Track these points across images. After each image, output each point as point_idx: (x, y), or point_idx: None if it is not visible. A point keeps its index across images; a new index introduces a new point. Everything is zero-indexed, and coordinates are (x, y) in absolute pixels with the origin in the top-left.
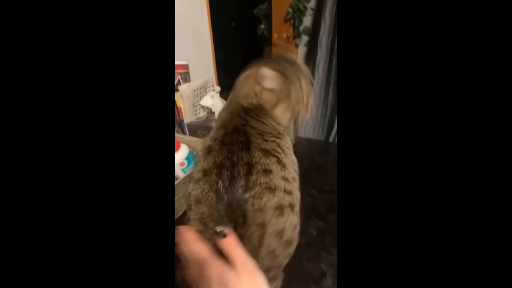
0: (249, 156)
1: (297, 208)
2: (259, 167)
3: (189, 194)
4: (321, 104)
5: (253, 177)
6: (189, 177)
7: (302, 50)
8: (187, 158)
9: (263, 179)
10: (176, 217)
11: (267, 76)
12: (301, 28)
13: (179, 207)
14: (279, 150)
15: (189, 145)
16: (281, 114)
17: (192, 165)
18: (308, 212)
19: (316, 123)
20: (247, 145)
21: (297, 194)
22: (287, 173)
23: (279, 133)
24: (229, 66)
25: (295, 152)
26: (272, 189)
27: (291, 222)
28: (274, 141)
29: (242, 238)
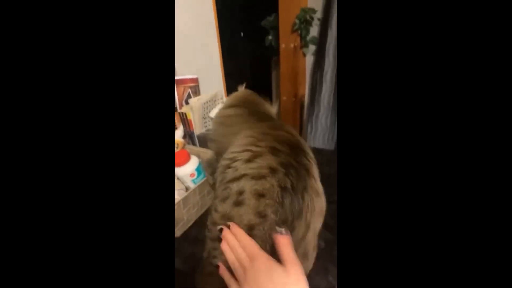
0: (306, 161)
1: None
2: (312, 174)
3: (241, 191)
4: (330, 113)
5: (310, 181)
6: (240, 177)
7: (309, 60)
8: (197, 169)
9: (314, 185)
10: (188, 226)
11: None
12: (308, 38)
13: (190, 217)
14: (314, 159)
15: (199, 156)
16: None
17: (202, 176)
18: None
19: (326, 131)
20: (303, 151)
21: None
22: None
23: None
24: (238, 77)
25: None
26: (319, 194)
27: (320, 226)
28: (308, 153)
29: (293, 229)
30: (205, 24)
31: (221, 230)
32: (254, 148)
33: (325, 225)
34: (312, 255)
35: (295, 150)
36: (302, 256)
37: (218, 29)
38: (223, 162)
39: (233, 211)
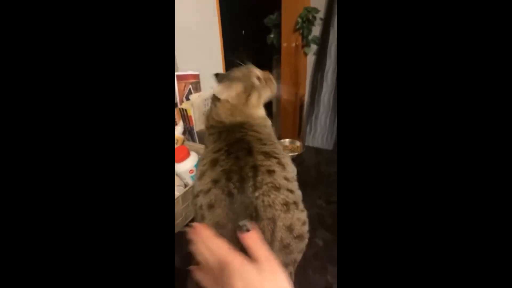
0: (252, 159)
1: (300, 205)
2: (263, 168)
3: (200, 206)
4: (330, 111)
5: (259, 178)
6: (194, 193)
7: (311, 59)
8: (196, 166)
9: (268, 179)
10: (186, 222)
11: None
12: (310, 37)
13: (189, 213)
14: (277, 152)
15: (198, 153)
16: (256, 101)
17: None
18: (315, 223)
19: (325, 131)
20: (249, 151)
21: (298, 193)
22: (287, 173)
23: (272, 137)
24: None
25: (303, 162)
26: (277, 188)
27: (298, 218)
28: (271, 144)
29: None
30: (208, 20)
31: (185, 233)
32: (200, 167)
33: (323, 225)
34: (297, 245)
35: (236, 153)
36: (283, 250)
37: (220, 25)
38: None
39: (201, 222)
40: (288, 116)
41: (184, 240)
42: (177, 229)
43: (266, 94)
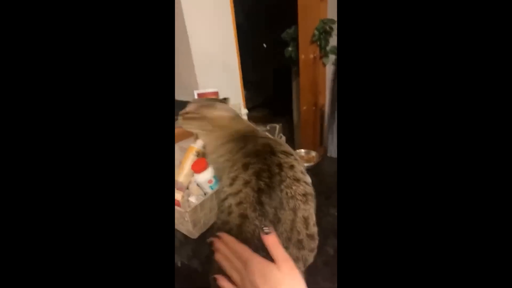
0: (276, 158)
1: (313, 198)
2: (285, 164)
3: (229, 205)
4: None
5: (284, 172)
6: (221, 197)
7: (329, 69)
8: (215, 176)
9: (290, 173)
10: (205, 228)
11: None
12: (328, 48)
13: (207, 221)
14: (291, 150)
15: None
16: None
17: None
18: (327, 231)
19: None
20: (272, 151)
21: (311, 186)
22: (302, 167)
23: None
24: (261, 87)
25: (319, 172)
26: (297, 180)
27: (311, 213)
28: (285, 145)
29: (279, 221)
30: (225, 40)
31: (211, 242)
32: (231, 174)
33: (335, 233)
34: (308, 243)
35: (263, 154)
36: (296, 245)
37: (237, 44)
38: (218, 188)
39: (228, 218)
40: (308, 126)
41: (204, 246)
42: (197, 235)
43: None
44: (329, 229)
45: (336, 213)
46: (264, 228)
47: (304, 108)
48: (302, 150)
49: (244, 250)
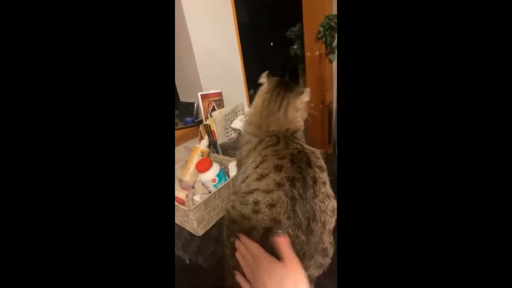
0: (312, 171)
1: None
2: (320, 180)
3: (256, 201)
4: None
5: (317, 187)
6: (246, 190)
7: (336, 66)
8: (218, 175)
9: (323, 189)
10: (209, 226)
11: (305, 93)
12: (334, 44)
13: (210, 219)
14: (324, 166)
15: (221, 163)
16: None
17: (223, 181)
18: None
19: None
20: (309, 163)
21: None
22: (328, 181)
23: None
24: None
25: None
26: (329, 196)
27: (335, 225)
28: (319, 159)
29: (312, 232)
30: (228, 40)
31: (234, 241)
32: (259, 170)
33: (334, 230)
34: (331, 250)
35: (299, 163)
36: (321, 253)
37: (239, 43)
38: (240, 177)
39: (252, 216)
40: (316, 124)
41: (208, 243)
42: (201, 232)
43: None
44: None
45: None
46: (279, 231)
47: (312, 105)
48: None
49: (257, 249)
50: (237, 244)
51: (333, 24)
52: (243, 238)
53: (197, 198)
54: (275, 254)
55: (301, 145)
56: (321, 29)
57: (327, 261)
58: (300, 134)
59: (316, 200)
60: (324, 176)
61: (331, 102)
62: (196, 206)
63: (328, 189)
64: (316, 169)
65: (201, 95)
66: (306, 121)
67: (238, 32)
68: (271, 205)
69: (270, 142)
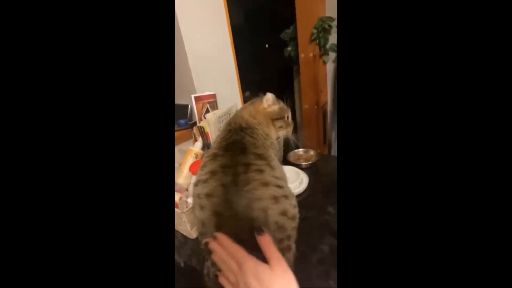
0: (245, 158)
1: (291, 197)
2: (253, 167)
3: (198, 195)
4: None
5: (249, 175)
6: (194, 182)
7: (330, 67)
8: None
9: (258, 176)
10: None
11: (270, 99)
12: (328, 46)
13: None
14: (267, 156)
15: None
16: (272, 131)
17: None
18: (322, 229)
19: None
20: (243, 150)
21: (289, 189)
22: (277, 173)
23: (267, 146)
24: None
25: (318, 171)
26: (265, 184)
27: (290, 203)
28: (264, 149)
29: (252, 219)
30: (221, 42)
31: (206, 243)
32: (204, 159)
33: (330, 231)
34: (290, 223)
35: (233, 151)
36: (277, 229)
37: (233, 46)
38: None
39: (201, 215)
40: (311, 125)
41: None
42: (195, 235)
43: (282, 131)
44: (325, 228)
45: (333, 211)
46: (257, 228)
47: (306, 106)
48: (301, 150)
49: (238, 251)
50: (213, 245)
51: (326, 26)
52: (220, 237)
53: (190, 200)
54: (250, 249)
55: (243, 136)
56: (315, 31)
57: (287, 233)
58: (251, 131)
59: (246, 188)
60: (262, 164)
61: (326, 103)
62: (190, 209)
63: (267, 176)
64: (251, 156)
65: (195, 97)
66: (301, 122)
67: (231, 33)
68: (209, 195)
69: (224, 134)
